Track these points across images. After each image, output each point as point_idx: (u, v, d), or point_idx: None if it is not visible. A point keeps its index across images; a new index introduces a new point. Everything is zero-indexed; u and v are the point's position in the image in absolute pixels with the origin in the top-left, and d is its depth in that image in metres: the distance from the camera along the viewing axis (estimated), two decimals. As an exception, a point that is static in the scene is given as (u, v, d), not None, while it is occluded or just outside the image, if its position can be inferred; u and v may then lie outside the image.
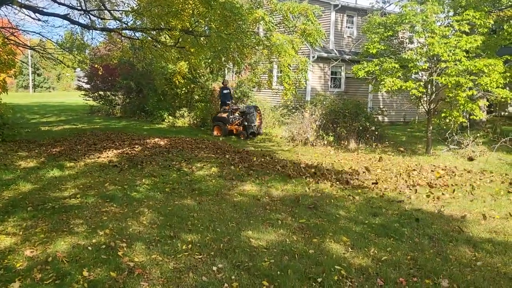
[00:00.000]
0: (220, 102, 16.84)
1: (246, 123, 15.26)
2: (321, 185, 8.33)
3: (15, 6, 12.28)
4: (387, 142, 14.55)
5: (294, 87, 14.37)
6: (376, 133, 14.35)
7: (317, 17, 15.05)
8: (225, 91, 16.67)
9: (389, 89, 12.34)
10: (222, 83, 17.45)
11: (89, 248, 4.98)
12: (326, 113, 14.62)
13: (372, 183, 8.57)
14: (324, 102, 15.62)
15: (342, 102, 15.68)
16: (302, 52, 18.09)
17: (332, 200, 7.26)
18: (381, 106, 20.52)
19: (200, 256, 4.82)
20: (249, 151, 12.09)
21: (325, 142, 13.83)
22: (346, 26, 21.63)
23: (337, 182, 8.58)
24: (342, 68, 21.57)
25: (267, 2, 15.00)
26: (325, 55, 20.29)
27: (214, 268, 4.53)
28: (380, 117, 17.89)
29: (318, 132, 14.16)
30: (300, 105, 16.81)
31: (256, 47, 13.32)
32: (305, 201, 7.15)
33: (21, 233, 5.48)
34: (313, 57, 19.78)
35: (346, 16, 21.42)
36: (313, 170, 9.70)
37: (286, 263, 4.69)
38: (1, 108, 14.76)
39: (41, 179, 8.37)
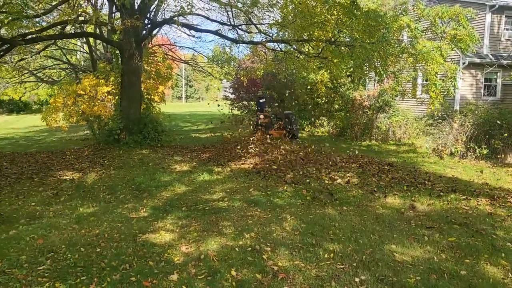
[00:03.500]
0: (256, 110, 17.68)
1: (289, 126, 15.63)
2: (473, 201, 7.67)
3: (175, 25, 13.63)
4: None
5: (442, 95, 13.53)
6: (542, 146, 12.73)
7: (469, 21, 14.00)
8: (261, 100, 17.41)
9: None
10: (260, 93, 18.53)
11: (236, 249, 5.29)
12: (478, 123, 13.41)
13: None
14: (476, 112, 14.35)
15: (498, 111, 14.23)
16: (450, 59, 16.93)
17: (487, 219, 6.63)
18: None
19: (342, 266, 4.80)
20: (391, 162, 11.67)
21: (477, 155, 12.70)
22: (504, 28, 19.62)
23: (493, 199, 7.82)
24: (498, 74, 19.59)
25: (413, 8, 14.41)
26: (477, 60, 18.66)
27: (357, 280, 4.48)
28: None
29: (468, 144, 13.06)
30: (447, 115, 15.69)
31: (400, 55, 12.86)
32: (455, 217, 6.65)
33: (177, 230, 6.07)
34: (464, 63, 18.33)
35: (505, 17, 19.43)
36: (463, 184, 9.00)
37: (434, 282, 4.43)
38: (160, 117, 16.53)
39: (193, 182, 9.15)
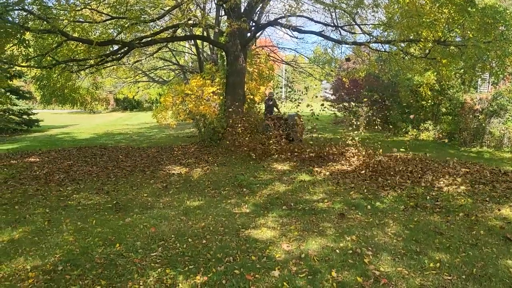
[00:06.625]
0: (265, 112, 17.09)
1: (286, 130, 14.89)
2: None
3: (279, 27, 13.84)
4: None
5: None
6: None
7: None
8: (270, 102, 16.92)
9: None
10: (268, 95, 17.85)
11: (337, 251, 5.28)
12: None
13: None
14: None
15: None
16: None
17: None
18: None
19: (449, 277, 4.57)
20: (507, 171, 10.75)
21: None
22: None
23: None
24: None
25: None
26: None
27: (466, 293, 4.25)
28: None
29: None
30: None
31: (521, 55, 11.80)
32: None
33: (278, 228, 6.19)
34: None
35: None
36: None
37: (557, 304, 4.05)
38: (261, 117, 16.88)
39: (293, 182, 9.25)
